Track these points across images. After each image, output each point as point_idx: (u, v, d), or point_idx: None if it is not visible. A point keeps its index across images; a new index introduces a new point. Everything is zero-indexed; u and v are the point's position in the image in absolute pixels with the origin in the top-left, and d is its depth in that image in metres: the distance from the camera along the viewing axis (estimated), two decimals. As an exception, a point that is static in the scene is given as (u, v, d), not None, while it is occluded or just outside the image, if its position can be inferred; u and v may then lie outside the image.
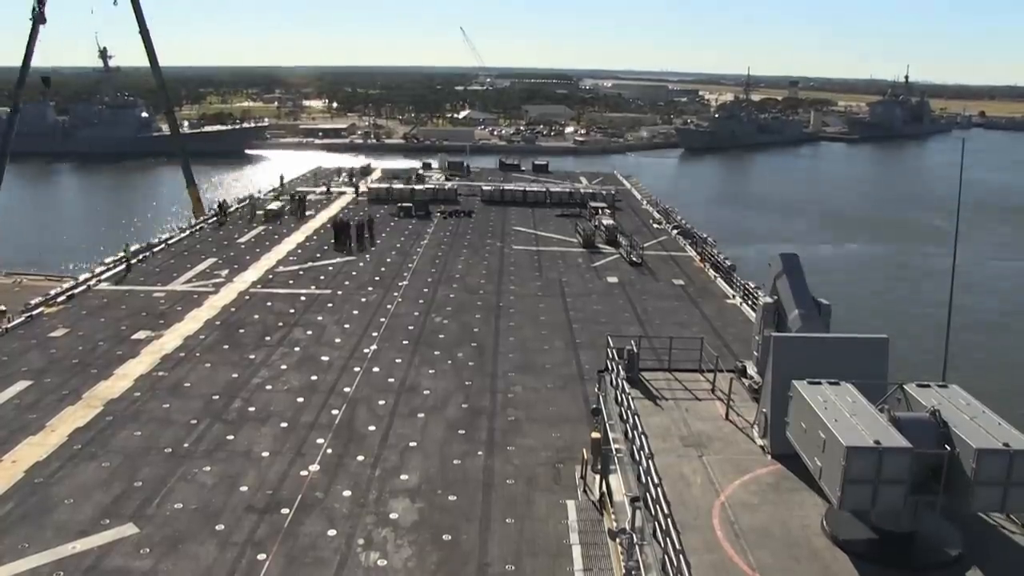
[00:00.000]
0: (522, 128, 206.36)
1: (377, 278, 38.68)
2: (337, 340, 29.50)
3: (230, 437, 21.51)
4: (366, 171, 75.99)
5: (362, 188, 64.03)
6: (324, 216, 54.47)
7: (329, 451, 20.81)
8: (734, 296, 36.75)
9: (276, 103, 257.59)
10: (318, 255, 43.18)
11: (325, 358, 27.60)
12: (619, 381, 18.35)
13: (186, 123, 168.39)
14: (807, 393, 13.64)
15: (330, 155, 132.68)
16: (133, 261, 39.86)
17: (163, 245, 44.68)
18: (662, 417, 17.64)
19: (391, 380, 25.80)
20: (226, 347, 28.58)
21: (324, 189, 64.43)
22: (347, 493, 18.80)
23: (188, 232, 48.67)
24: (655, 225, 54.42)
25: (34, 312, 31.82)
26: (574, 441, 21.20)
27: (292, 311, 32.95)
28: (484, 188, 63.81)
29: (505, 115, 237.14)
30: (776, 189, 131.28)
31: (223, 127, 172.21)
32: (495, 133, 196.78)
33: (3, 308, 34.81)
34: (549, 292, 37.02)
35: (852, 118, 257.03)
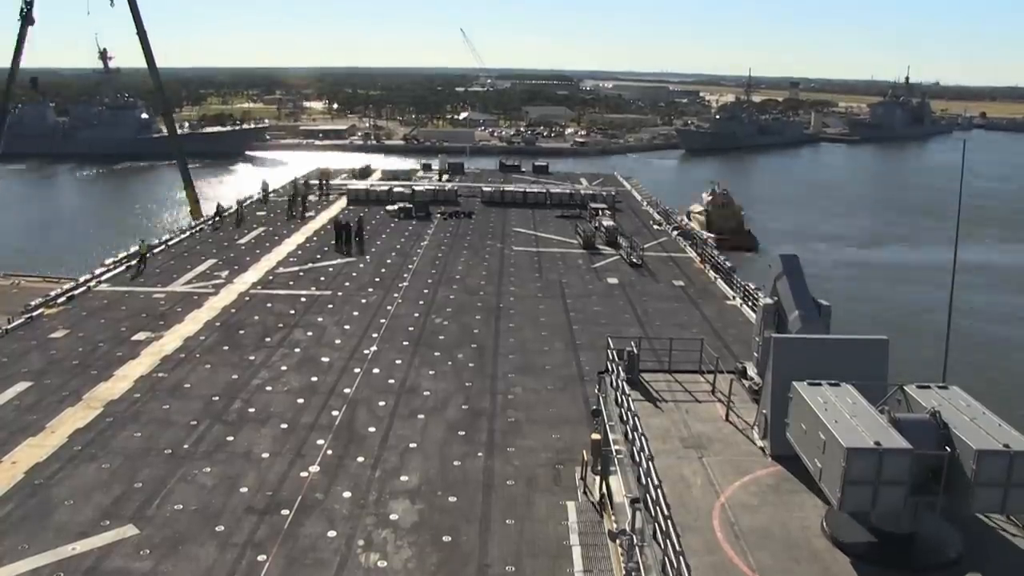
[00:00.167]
0: (522, 129, 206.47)
1: (377, 279, 38.67)
2: (337, 341, 29.50)
3: (230, 438, 21.50)
4: (365, 172, 76.13)
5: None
6: (324, 217, 54.51)
7: (329, 452, 20.80)
8: (733, 297, 36.76)
9: (276, 104, 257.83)
10: (318, 256, 43.17)
11: (325, 359, 27.60)
12: (619, 382, 18.35)
13: (186, 124, 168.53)
14: (807, 394, 13.64)
15: (329, 155, 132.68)
16: (134, 262, 39.89)
17: (163, 246, 44.74)
18: (662, 418, 17.64)
19: (391, 381, 25.79)
20: (226, 348, 28.58)
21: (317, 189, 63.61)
22: (347, 494, 18.79)
23: (188, 233, 48.75)
24: (655, 226, 54.45)
25: (34, 313, 31.84)
26: (574, 442, 21.18)
27: (292, 312, 32.95)
28: (484, 189, 63.86)
29: (505, 116, 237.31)
30: (776, 191, 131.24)
31: (223, 128, 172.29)
32: (495, 134, 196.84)
33: None
34: (549, 293, 37.01)
35: (853, 119, 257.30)
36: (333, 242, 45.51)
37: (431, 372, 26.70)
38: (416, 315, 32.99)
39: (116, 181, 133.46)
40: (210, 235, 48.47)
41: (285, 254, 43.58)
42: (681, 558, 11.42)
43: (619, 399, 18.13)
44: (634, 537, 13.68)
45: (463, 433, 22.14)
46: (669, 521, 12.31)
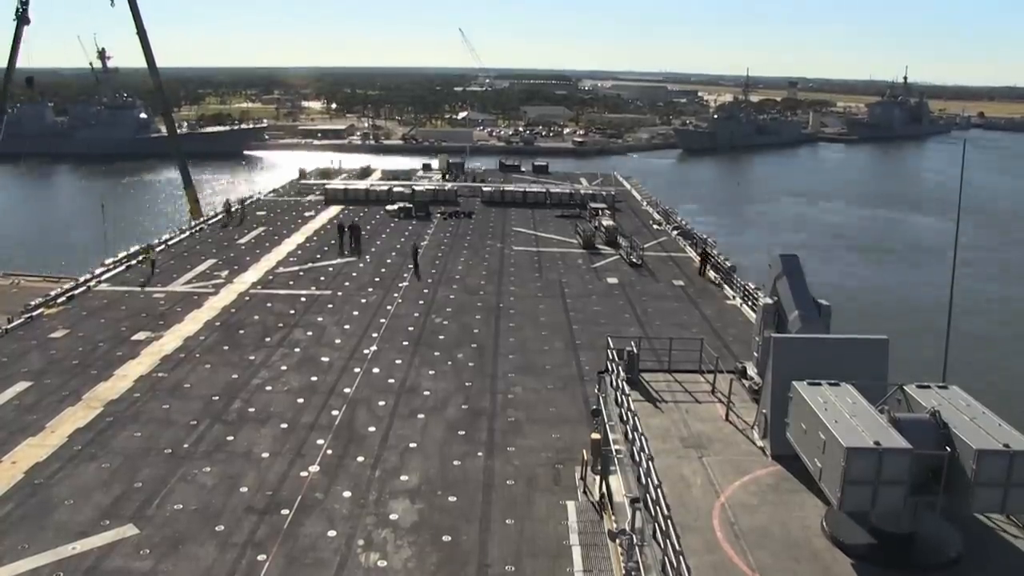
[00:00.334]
0: (521, 129, 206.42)
1: (377, 279, 38.69)
2: (337, 341, 29.51)
3: (230, 438, 21.51)
4: (366, 172, 76.11)
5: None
6: (324, 217, 54.51)
7: (329, 452, 20.81)
8: (734, 297, 36.79)
9: (275, 104, 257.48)
10: (318, 256, 43.19)
11: (325, 359, 27.61)
12: (619, 382, 18.37)
13: (185, 124, 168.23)
14: (807, 394, 13.66)
15: (329, 155, 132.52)
16: (134, 262, 39.88)
17: (163, 246, 44.72)
18: (662, 418, 17.65)
19: (391, 381, 25.81)
20: (226, 348, 28.59)
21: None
22: (347, 494, 18.81)
23: (188, 233, 48.73)
24: (655, 226, 54.46)
25: (34, 313, 31.83)
26: (574, 442, 21.20)
27: (292, 312, 32.96)
28: (484, 189, 63.91)
29: (504, 116, 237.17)
30: (775, 189, 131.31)
31: (222, 128, 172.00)
32: (494, 134, 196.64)
33: None
34: (549, 293, 37.03)
35: (851, 119, 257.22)
36: (333, 242, 45.60)
37: (431, 372, 26.71)
38: (416, 315, 33.00)
39: (115, 181, 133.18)
40: (210, 235, 48.47)
41: (285, 254, 43.59)
42: (681, 558, 11.43)
43: (619, 399, 18.15)
44: (634, 537, 13.70)
45: (463, 433, 22.16)
46: (669, 521, 12.33)
